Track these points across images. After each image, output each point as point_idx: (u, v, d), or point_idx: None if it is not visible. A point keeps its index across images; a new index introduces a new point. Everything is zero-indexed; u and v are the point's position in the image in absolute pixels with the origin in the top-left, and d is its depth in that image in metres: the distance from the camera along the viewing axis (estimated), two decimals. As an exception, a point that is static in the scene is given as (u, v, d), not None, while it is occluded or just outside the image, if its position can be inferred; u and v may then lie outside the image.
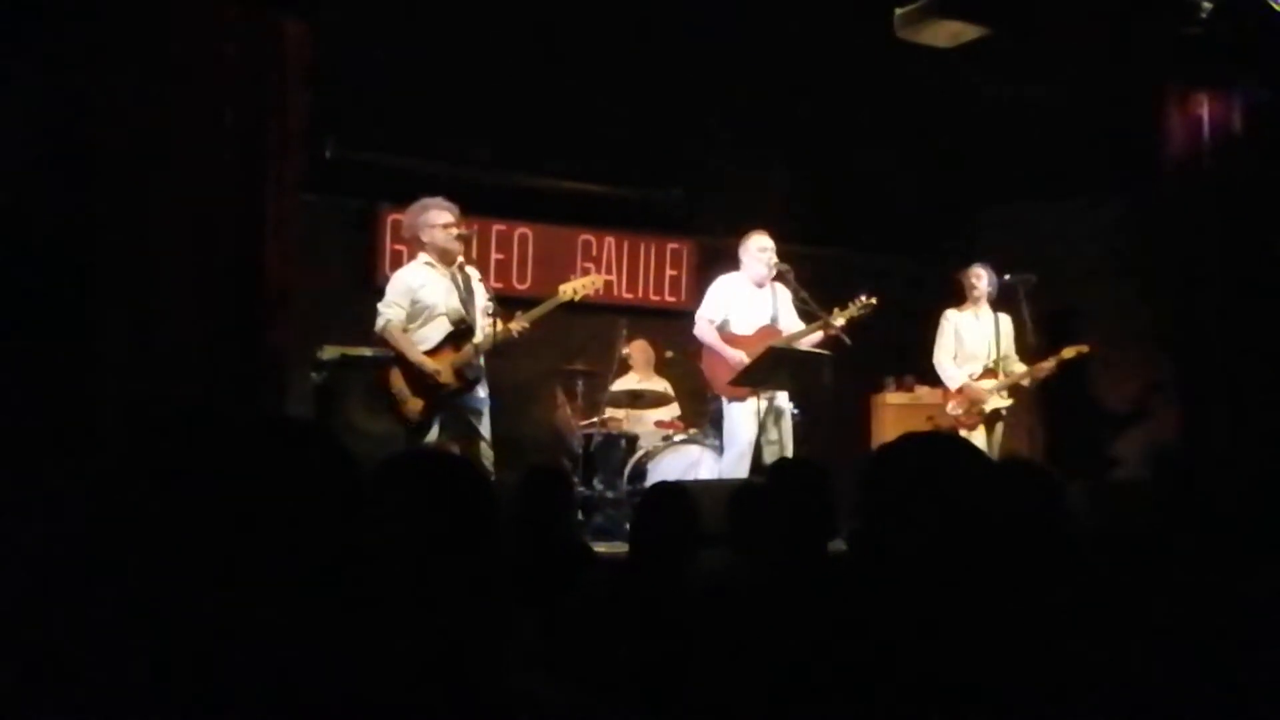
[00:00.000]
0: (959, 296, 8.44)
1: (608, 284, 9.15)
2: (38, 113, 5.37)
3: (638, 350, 8.99)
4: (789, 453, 7.42)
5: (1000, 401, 8.17)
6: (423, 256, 6.74)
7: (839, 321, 7.38)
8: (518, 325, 6.61)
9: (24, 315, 5.21)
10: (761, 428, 7.39)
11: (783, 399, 7.53)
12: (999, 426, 8.23)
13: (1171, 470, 3.11)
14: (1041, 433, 9.47)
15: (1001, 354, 8.24)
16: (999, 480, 2.11)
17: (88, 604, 1.11)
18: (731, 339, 7.56)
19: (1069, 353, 8.14)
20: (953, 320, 8.40)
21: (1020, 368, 8.22)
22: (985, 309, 8.31)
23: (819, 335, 7.46)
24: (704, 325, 7.62)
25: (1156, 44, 7.62)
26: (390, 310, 6.59)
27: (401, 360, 6.55)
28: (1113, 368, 9.01)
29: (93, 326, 5.51)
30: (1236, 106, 7.94)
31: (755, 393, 7.35)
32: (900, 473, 2.03)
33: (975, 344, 8.31)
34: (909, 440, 2.13)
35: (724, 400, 7.56)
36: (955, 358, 8.35)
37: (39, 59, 5.34)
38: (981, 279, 8.28)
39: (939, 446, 2.14)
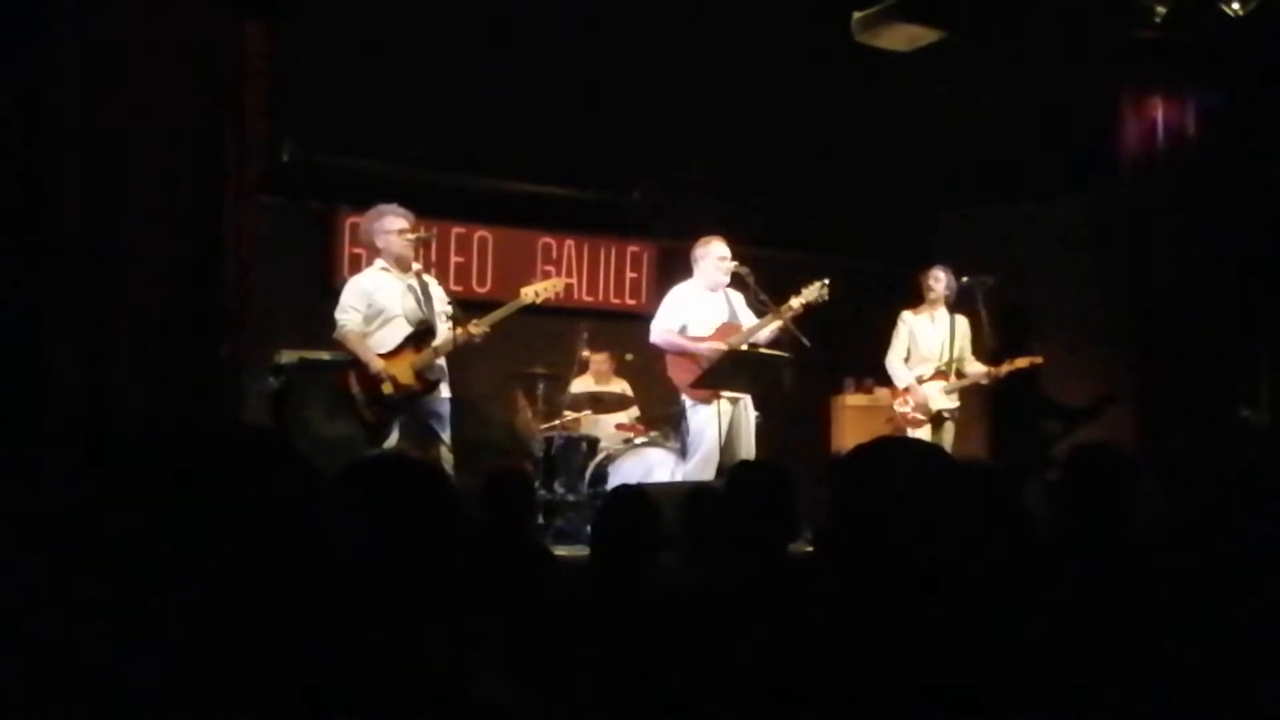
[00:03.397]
0: (917, 298, 8.50)
1: (568, 287, 9.16)
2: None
3: (598, 361, 9.00)
4: (752, 456, 7.41)
5: (947, 402, 8.29)
6: (379, 262, 6.78)
7: (796, 303, 7.34)
8: (478, 329, 6.61)
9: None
10: (728, 431, 7.38)
11: (748, 402, 7.54)
12: (947, 426, 8.32)
13: (1102, 469, 3.13)
14: (993, 434, 9.53)
15: (956, 355, 8.32)
16: (963, 482, 2.12)
17: (38, 613, 1.10)
18: (694, 340, 7.55)
19: (1022, 363, 8.23)
20: (908, 323, 8.50)
21: (977, 368, 8.28)
22: (942, 311, 8.40)
23: (776, 328, 7.43)
24: (660, 333, 7.62)
25: (1112, 47, 7.69)
26: (346, 315, 6.63)
27: (359, 363, 6.55)
28: (1067, 369, 9.07)
29: (47, 331, 5.45)
30: (1191, 109, 8.02)
31: (719, 396, 7.34)
32: (869, 474, 2.05)
33: (929, 346, 8.41)
34: (879, 443, 2.15)
35: (688, 403, 7.54)
36: (907, 360, 8.47)
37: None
38: (939, 281, 8.37)
39: (907, 449, 2.16)
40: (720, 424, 7.32)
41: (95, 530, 1.12)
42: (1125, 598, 2.55)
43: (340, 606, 1.21)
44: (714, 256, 7.61)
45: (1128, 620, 2.49)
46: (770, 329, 7.46)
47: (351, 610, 1.26)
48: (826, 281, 7.42)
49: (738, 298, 7.70)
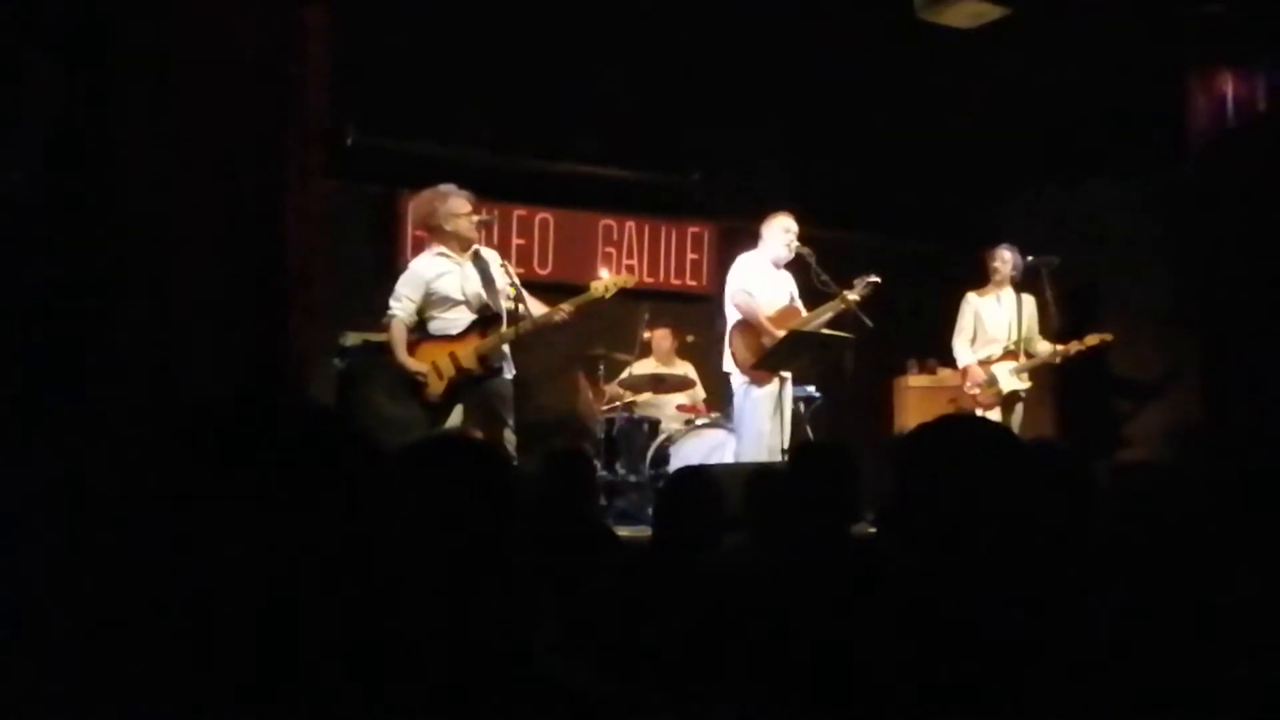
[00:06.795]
0: (982, 278, 8.41)
1: (628, 268, 9.15)
2: (59, 104, 5.38)
3: (659, 337, 9.00)
4: (787, 439, 7.35)
5: (1018, 383, 8.15)
6: (436, 246, 6.73)
7: (852, 297, 7.35)
8: (561, 313, 6.63)
9: (47, 304, 5.23)
10: (777, 412, 7.36)
11: (789, 383, 7.51)
12: (1018, 408, 8.22)
13: (1194, 451, 3.10)
14: (1061, 414, 9.43)
15: (1024, 335, 8.22)
16: (1031, 464, 2.10)
17: (106, 592, 1.12)
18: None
19: (1093, 340, 8.10)
20: (973, 304, 8.40)
21: (1045, 347, 8.18)
22: (1008, 290, 8.29)
23: (833, 315, 7.43)
24: (744, 297, 7.53)
25: (1180, 23, 7.57)
26: (399, 304, 6.60)
27: (423, 342, 6.56)
28: (1135, 350, 8.96)
29: (115, 315, 5.52)
30: (1261, 85, 7.88)
31: (776, 376, 7.33)
32: (934, 453, 2.03)
33: (995, 327, 8.30)
34: (944, 421, 2.13)
35: (744, 382, 7.51)
36: (974, 341, 8.36)
37: (59, 52, 5.35)
38: (1005, 260, 8.26)
39: (974, 429, 2.14)
40: (780, 404, 7.32)
41: (158, 506, 1.13)
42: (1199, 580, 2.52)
43: (400, 586, 1.22)
44: (779, 229, 7.59)
45: (1196, 603, 2.46)
46: (828, 318, 7.45)
47: (411, 590, 1.27)
48: (878, 279, 7.41)
49: (794, 282, 7.71)
